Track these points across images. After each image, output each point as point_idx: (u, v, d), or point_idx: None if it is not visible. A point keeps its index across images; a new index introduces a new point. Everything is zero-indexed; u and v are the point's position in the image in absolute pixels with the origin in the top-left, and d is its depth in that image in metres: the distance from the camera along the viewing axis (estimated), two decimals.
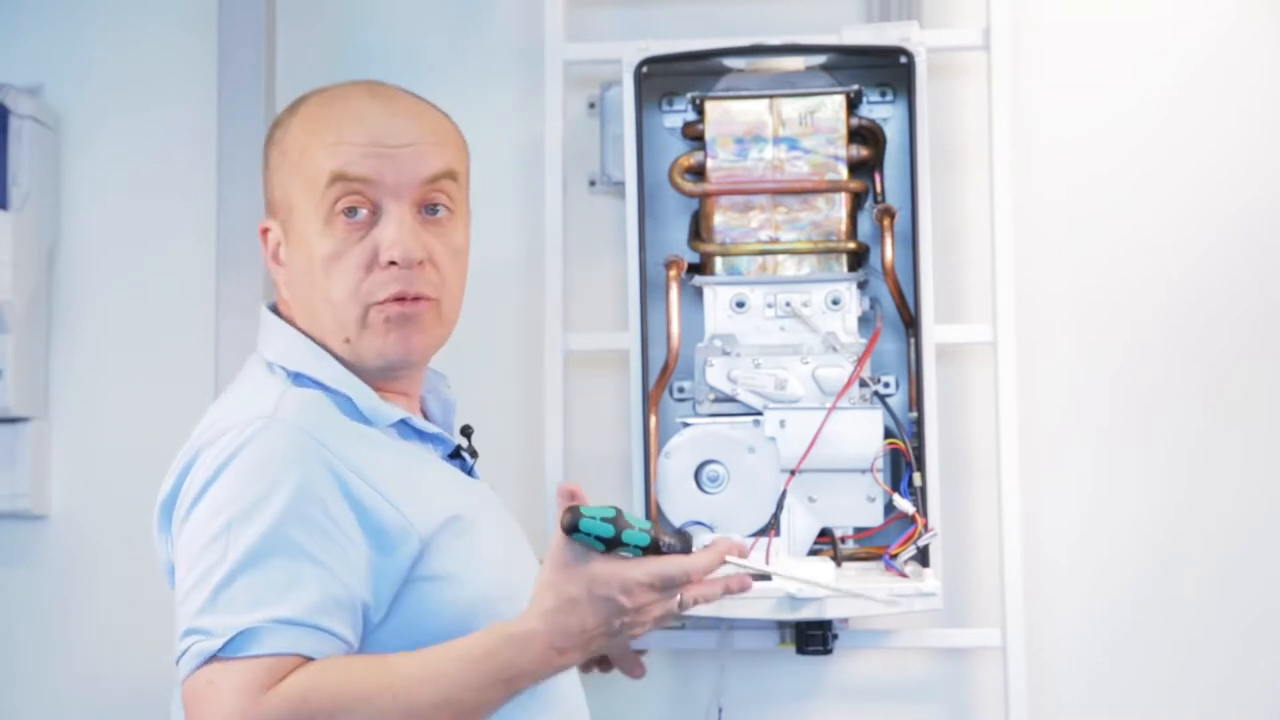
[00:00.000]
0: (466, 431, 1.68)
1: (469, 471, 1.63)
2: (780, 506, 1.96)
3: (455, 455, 1.62)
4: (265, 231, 1.59)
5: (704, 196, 2.06)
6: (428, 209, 1.55)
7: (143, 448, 2.32)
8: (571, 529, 1.38)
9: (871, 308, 2.05)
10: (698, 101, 2.08)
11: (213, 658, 1.34)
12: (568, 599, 1.40)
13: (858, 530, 2.00)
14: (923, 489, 1.96)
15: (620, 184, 2.19)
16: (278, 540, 1.37)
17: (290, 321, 1.57)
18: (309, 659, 1.36)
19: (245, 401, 1.49)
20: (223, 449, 1.42)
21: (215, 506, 1.40)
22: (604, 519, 1.38)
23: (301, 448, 1.42)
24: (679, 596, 1.42)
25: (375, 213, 1.52)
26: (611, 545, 1.39)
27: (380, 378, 1.56)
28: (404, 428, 1.55)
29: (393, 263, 1.51)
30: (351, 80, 1.63)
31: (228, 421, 1.46)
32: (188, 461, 1.47)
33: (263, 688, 1.32)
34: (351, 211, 1.52)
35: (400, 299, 1.52)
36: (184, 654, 1.36)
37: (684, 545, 1.44)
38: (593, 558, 1.39)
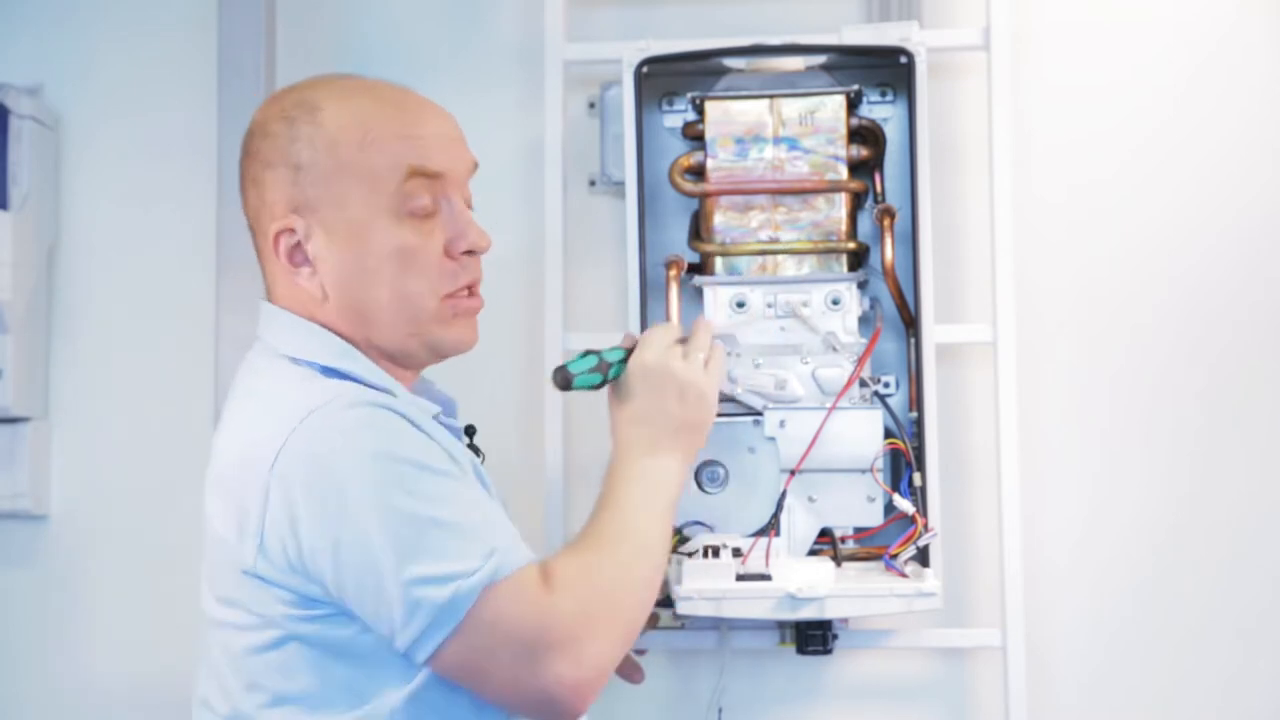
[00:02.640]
0: (470, 431, 1.69)
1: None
2: (780, 506, 1.96)
3: None
4: (282, 233, 1.53)
5: (704, 196, 2.06)
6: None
7: (143, 448, 2.32)
8: (566, 386, 1.63)
9: (871, 308, 2.05)
10: (698, 101, 2.08)
11: (471, 608, 1.37)
12: (618, 400, 1.66)
13: (858, 530, 2.00)
14: (923, 489, 1.96)
15: (620, 184, 2.19)
16: (453, 492, 1.42)
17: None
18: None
19: (293, 395, 1.46)
20: (328, 437, 1.41)
21: (370, 489, 1.39)
22: (592, 369, 1.64)
23: (398, 413, 1.46)
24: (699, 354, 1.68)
25: (436, 206, 1.55)
26: (606, 378, 1.65)
27: (415, 367, 1.62)
28: (432, 423, 1.55)
29: (468, 252, 1.57)
30: (351, 75, 1.60)
31: (315, 421, 1.42)
32: (266, 471, 1.42)
33: (540, 589, 1.40)
34: (421, 205, 1.54)
35: (471, 288, 1.59)
36: (440, 609, 1.36)
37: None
38: None
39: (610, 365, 1.64)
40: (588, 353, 1.62)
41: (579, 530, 1.54)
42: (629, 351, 1.66)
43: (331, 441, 1.40)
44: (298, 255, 1.53)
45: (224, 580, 1.47)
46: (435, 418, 1.55)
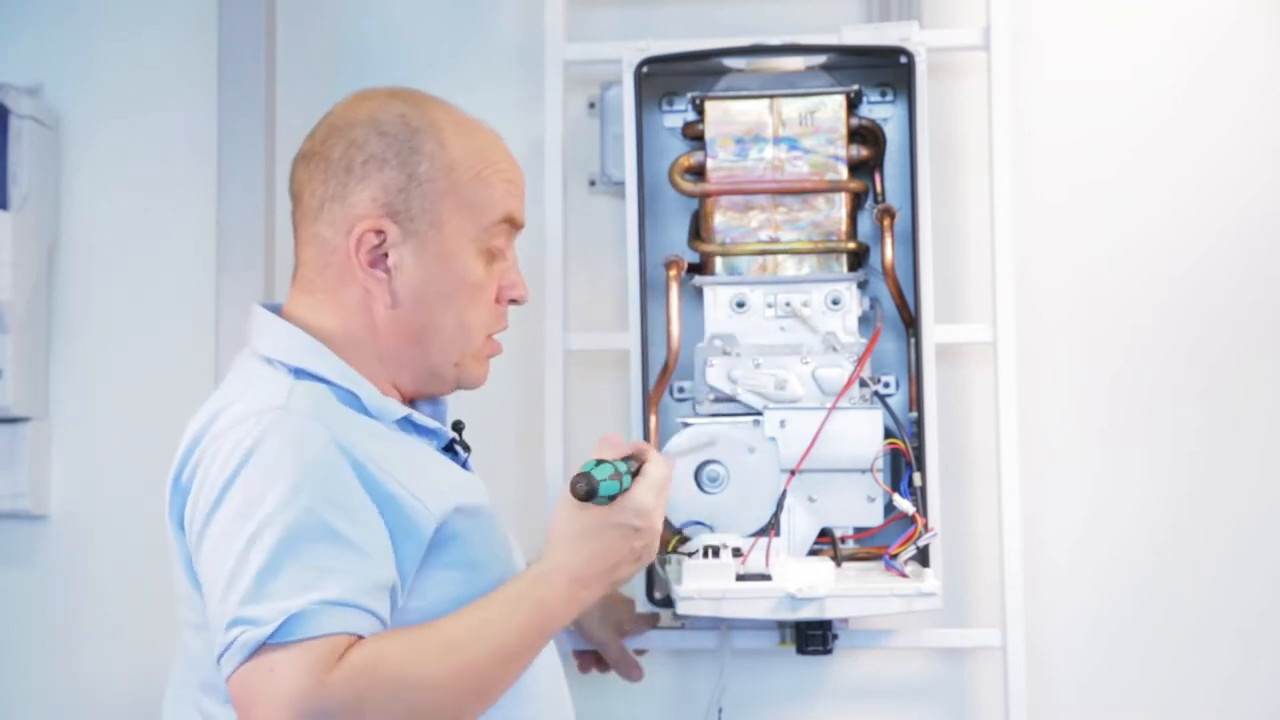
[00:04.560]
0: (458, 426, 1.69)
1: (463, 465, 1.65)
2: (780, 506, 1.96)
3: (449, 449, 1.63)
4: (369, 232, 1.54)
5: (704, 196, 2.06)
6: None
7: (143, 448, 2.32)
8: (589, 496, 1.48)
9: (871, 308, 2.05)
10: (698, 101, 2.08)
11: (264, 645, 1.34)
12: (585, 529, 1.50)
13: (858, 530, 2.00)
14: (923, 489, 1.96)
15: (620, 184, 2.19)
16: (313, 526, 1.38)
17: (295, 318, 1.57)
18: (360, 637, 1.38)
19: (251, 394, 1.49)
20: (241, 441, 1.42)
21: (244, 499, 1.40)
22: (610, 477, 1.49)
23: (320, 437, 1.43)
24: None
25: (504, 250, 1.63)
26: (620, 488, 1.51)
27: (430, 395, 1.63)
28: (404, 422, 1.56)
29: (513, 301, 1.64)
30: (448, 101, 1.62)
31: (236, 412, 1.46)
32: (186, 451, 1.48)
33: (326, 666, 1.34)
34: (498, 247, 1.60)
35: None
36: (230, 646, 1.36)
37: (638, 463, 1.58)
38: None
39: (623, 475, 1.52)
40: (600, 462, 1.50)
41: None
42: (633, 469, 1.55)
43: (251, 445, 1.42)
44: (375, 257, 1.55)
45: (177, 577, 1.51)
46: (407, 418, 1.56)
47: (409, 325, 1.56)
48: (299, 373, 1.52)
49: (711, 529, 1.97)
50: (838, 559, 1.95)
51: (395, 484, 1.45)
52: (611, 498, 1.50)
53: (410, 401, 1.64)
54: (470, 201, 1.57)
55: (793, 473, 1.97)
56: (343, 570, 1.38)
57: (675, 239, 2.12)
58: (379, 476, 1.44)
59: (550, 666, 1.62)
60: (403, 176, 1.55)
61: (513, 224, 1.61)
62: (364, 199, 1.54)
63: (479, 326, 1.60)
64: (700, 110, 2.07)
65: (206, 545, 1.43)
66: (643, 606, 2.02)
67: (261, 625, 1.34)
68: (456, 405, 1.71)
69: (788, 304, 2.02)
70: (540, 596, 1.47)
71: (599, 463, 1.50)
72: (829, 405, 1.97)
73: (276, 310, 1.60)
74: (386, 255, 1.54)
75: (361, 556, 1.39)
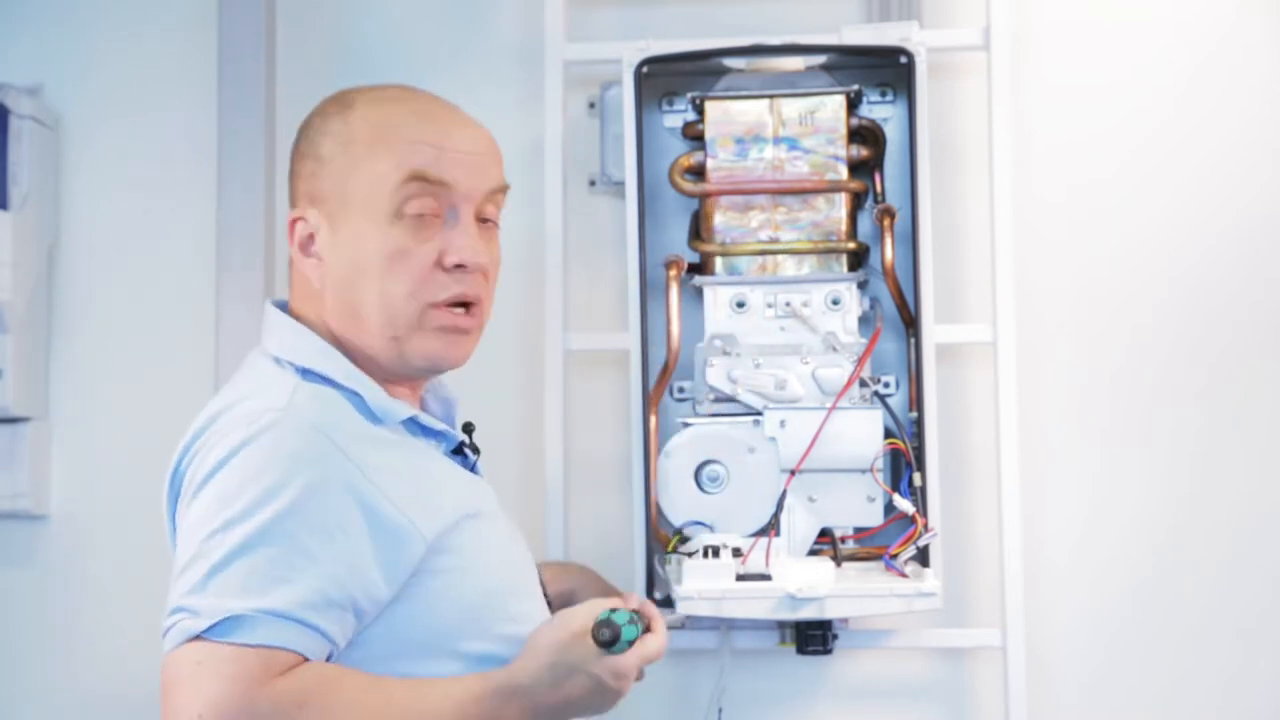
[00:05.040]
0: (468, 429, 1.69)
1: (471, 468, 1.64)
2: (780, 506, 1.96)
3: (458, 451, 1.63)
4: (296, 221, 1.57)
5: (704, 196, 2.06)
6: (479, 219, 1.59)
7: (143, 448, 2.32)
8: (612, 643, 1.46)
9: (871, 308, 2.05)
10: (698, 101, 2.08)
11: (197, 638, 1.34)
12: (561, 661, 1.47)
13: (858, 530, 2.00)
14: (923, 489, 1.96)
15: (620, 184, 2.19)
16: (278, 532, 1.38)
17: (300, 317, 1.57)
18: (303, 657, 1.37)
19: (256, 392, 1.49)
20: (235, 437, 1.43)
21: (221, 492, 1.41)
22: (629, 622, 1.47)
23: (313, 444, 1.43)
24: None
25: (439, 216, 1.55)
26: (636, 636, 1.51)
27: (404, 377, 1.59)
28: (411, 425, 1.56)
29: (459, 266, 1.54)
30: (395, 84, 1.62)
31: (239, 411, 1.46)
32: (187, 444, 1.49)
33: (257, 680, 1.33)
34: (416, 209, 1.54)
35: (458, 304, 1.55)
36: (169, 629, 1.37)
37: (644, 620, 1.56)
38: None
39: (638, 624, 1.51)
40: (614, 610, 1.48)
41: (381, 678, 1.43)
42: (643, 624, 1.55)
43: (242, 443, 1.42)
44: (309, 246, 1.56)
45: None
46: (414, 420, 1.56)
47: (342, 307, 1.55)
48: (306, 373, 1.52)
49: (711, 529, 1.97)
50: (838, 559, 1.95)
51: (386, 502, 1.44)
52: (631, 643, 1.48)
53: (420, 399, 1.64)
54: (369, 170, 1.53)
55: (793, 473, 1.97)
56: (296, 582, 1.37)
57: (675, 239, 2.11)
58: (368, 491, 1.43)
59: None
60: (312, 162, 1.57)
61: (426, 180, 1.53)
62: (295, 193, 1.59)
63: (404, 295, 1.52)
64: (700, 110, 2.07)
65: (181, 529, 1.45)
66: None
67: (198, 618, 1.34)
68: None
69: (788, 304, 2.02)
70: (492, 709, 1.44)
71: (615, 610, 1.47)
72: (829, 405, 1.97)
73: (285, 308, 1.60)
74: (315, 242, 1.56)
75: (321, 572, 1.38)
